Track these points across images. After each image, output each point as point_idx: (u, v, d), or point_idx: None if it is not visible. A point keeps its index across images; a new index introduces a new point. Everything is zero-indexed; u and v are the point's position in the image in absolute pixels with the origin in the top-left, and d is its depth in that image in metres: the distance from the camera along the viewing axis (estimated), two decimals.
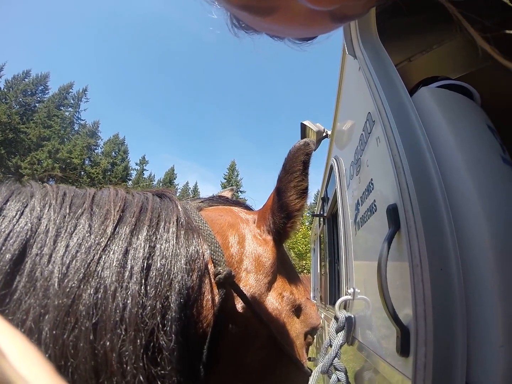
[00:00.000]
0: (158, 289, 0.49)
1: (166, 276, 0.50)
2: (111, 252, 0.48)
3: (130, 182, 65.96)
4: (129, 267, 0.48)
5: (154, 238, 0.53)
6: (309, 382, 0.97)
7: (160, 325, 0.47)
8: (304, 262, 23.86)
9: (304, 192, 0.71)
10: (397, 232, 0.74)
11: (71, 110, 53.60)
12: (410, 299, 0.65)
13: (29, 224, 0.47)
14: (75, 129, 54.45)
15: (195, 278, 0.55)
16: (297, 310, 0.79)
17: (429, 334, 0.61)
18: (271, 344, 0.67)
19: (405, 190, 0.72)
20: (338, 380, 1.10)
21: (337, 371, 1.14)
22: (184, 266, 0.53)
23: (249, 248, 0.70)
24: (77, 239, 0.47)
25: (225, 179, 73.17)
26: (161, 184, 69.26)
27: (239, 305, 0.62)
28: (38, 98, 50.56)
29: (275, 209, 0.73)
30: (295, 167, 0.69)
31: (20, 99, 47.57)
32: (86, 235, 0.48)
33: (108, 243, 0.49)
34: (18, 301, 0.41)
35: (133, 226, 0.52)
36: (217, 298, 0.58)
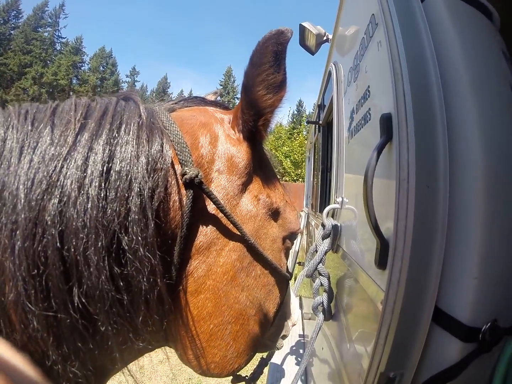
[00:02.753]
0: (118, 192, 0.50)
1: (125, 177, 0.51)
2: (72, 161, 0.49)
3: None
4: (89, 172, 0.49)
5: (114, 141, 0.53)
6: (295, 284, 1.03)
7: (121, 227, 0.50)
8: (299, 171, 24.29)
9: (276, 87, 0.65)
10: (388, 142, 0.71)
11: (50, 30, 49.32)
12: (393, 213, 0.65)
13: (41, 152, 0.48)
14: (57, 49, 50.80)
15: (158, 179, 0.55)
16: (274, 214, 0.79)
17: (407, 250, 0.62)
18: (244, 246, 0.69)
19: (401, 99, 0.66)
20: (321, 284, 1.17)
21: (320, 276, 1.20)
22: (145, 167, 0.53)
23: (222, 148, 0.67)
24: (40, 152, 0.49)
25: (221, 85, 70.57)
26: (154, 94, 67.29)
27: (210, 206, 0.63)
28: (12, 25, 46.30)
29: (243, 107, 0.68)
30: (264, 59, 0.62)
31: None
32: (48, 147, 0.49)
33: (70, 151, 0.50)
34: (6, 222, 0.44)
35: (94, 132, 0.53)
36: (184, 199, 0.59)
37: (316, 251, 1.25)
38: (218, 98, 0.92)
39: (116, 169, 0.51)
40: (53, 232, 0.46)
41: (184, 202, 0.58)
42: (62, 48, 50.35)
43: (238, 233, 0.67)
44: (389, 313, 0.65)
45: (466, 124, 0.66)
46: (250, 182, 0.72)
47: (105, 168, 0.50)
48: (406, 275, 0.63)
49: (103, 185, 0.49)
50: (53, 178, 0.47)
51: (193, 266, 0.63)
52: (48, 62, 47.29)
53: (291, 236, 0.85)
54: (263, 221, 0.74)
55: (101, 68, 55.74)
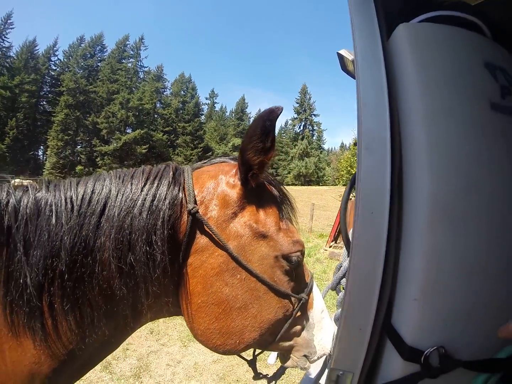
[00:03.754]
0: (154, 214, 0.91)
1: (158, 208, 0.92)
2: (137, 200, 0.92)
3: (203, 117, 68.78)
4: (141, 205, 0.92)
5: (156, 191, 0.95)
6: (321, 295, 1.17)
7: (154, 231, 0.90)
8: None
9: (264, 151, 0.92)
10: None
11: (133, 61, 55.83)
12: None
13: (104, 194, 0.93)
14: (141, 77, 57.12)
15: (174, 209, 0.94)
16: (262, 236, 1.00)
17: (357, 268, 0.72)
18: (228, 254, 0.95)
19: (359, 135, 0.74)
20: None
21: (343, 290, 1.27)
22: (167, 203, 0.93)
23: (220, 191, 1.00)
24: (124, 195, 0.93)
25: (297, 103, 71.55)
26: (233, 115, 70.88)
27: (203, 227, 0.96)
28: (99, 58, 53.54)
29: (239, 164, 0.99)
30: (255, 132, 0.90)
31: (82, 64, 50.92)
32: (128, 192, 0.93)
33: (134, 194, 0.93)
34: (107, 226, 0.89)
35: (149, 187, 0.96)
36: (186, 222, 0.95)
37: (341, 267, 1.36)
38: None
39: (155, 204, 0.92)
40: (127, 231, 0.89)
41: (187, 224, 0.95)
42: (145, 76, 56.61)
43: (223, 246, 0.94)
44: (342, 317, 0.74)
45: (416, 153, 0.71)
46: (241, 211, 1.00)
47: (150, 203, 0.92)
48: (356, 290, 0.71)
49: (147, 210, 0.91)
50: (129, 208, 0.91)
51: (191, 259, 0.96)
52: (133, 89, 53.57)
53: (286, 257, 1.02)
54: (250, 240, 0.99)
55: (182, 92, 61.26)
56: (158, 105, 56.91)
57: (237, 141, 64.29)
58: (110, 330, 0.95)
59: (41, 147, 53.89)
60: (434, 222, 0.67)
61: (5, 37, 46.16)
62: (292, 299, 1.05)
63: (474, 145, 0.71)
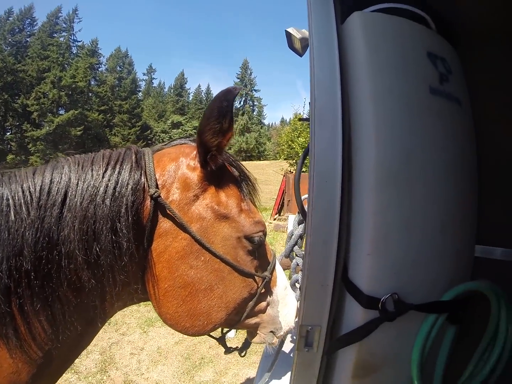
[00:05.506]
0: (117, 201, 0.88)
1: (121, 194, 0.90)
2: (99, 187, 0.88)
3: (140, 94, 65.16)
4: (103, 193, 0.88)
5: (118, 176, 0.92)
6: (277, 263, 1.23)
7: (118, 218, 0.87)
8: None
9: (222, 132, 0.93)
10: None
11: (65, 35, 50.55)
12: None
13: (63, 183, 0.88)
14: (74, 52, 52.04)
15: (138, 195, 0.92)
16: (224, 218, 1.02)
17: (315, 231, 0.81)
18: (191, 239, 0.96)
19: (312, 110, 0.82)
20: (297, 264, 1.41)
21: (297, 257, 1.42)
22: (130, 188, 0.91)
23: (180, 173, 0.99)
24: (85, 183, 0.88)
25: (238, 78, 70.61)
26: (172, 91, 68.07)
27: (165, 211, 0.95)
28: (28, 32, 47.74)
29: (197, 146, 0.98)
30: (212, 113, 0.89)
31: (10, 40, 45.05)
32: (89, 179, 0.89)
33: (95, 181, 0.89)
34: (70, 217, 0.84)
35: (110, 171, 0.92)
36: (149, 206, 0.93)
37: (292, 235, 1.48)
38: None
39: (118, 190, 0.90)
40: (91, 221, 0.85)
41: (150, 208, 0.93)
42: (79, 52, 51.76)
43: (185, 228, 0.95)
44: (304, 276, 0.83)
45: (364, 127, 0.81)
46: (202, 193, 1.00)
47: (112, 190, 0.89)
48: (316, 250, 0.80)
49: (110, 197, 0.88)
50: (92, 194, 0.87)
51: (155, 244, 0.96)
52: (66, 65, 48.73)
53: (249, 238, 1.04)
54: (212, 222, 1.00)
55: (118, 68, 57.23)
56: (92, 82, 52.35)
57: (177, 117, 61.91)
58: (82, 325, 0.92)
59: None
60: (379, 185, 0.78)
61: None
62: (256, 278, 1.08)
63: (412, 121, 0.82)
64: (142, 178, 0.94)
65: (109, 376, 3.41)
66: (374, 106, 0.80)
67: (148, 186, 0.94)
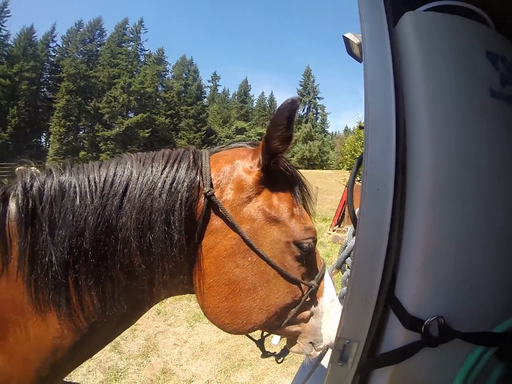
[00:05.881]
0: (173, 196, 0.95)
1: (176, 191, 0.96)
2: (157, 182, 0.96)
3: (205, 100, 68.37)
4: (161, 188, 0.96)
5: (176, 174, 0.99)
6: (332, 283, 1.20)
7: (172, 211, 0.94)
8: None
9: (286, 140, 0.96)
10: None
11: (133, 44, 55.06)
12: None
13: (125, 176, 0.97)
14: (142, 60, 56.35)
15: (192, 192, 0.98)
16: (275, 221, 1.03)
17: (362, 241, 0.77)
18: (240, 239, 1.00)
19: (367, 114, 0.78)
20: (348, 276, 1.31)
21: (348, 269, 1.36)
22: (186, 186, 0.97)
23: (235, 175, 1.03)
24: (145, 178, 0.96)
25: (301, 85, 70.82)
26: (236, 97, 70.48)
27: (217, 209, 0.99)
28: (98, 42, 52.87)
29: (264, 152, 1.00)
30: (280, 121, 0.93)
31: (81, 49, 50.26)
32: (148, 175, 0.97)
33: (154, 177, 0.97)
34: (129, 207, 0.92)
35: (169, 169, 0.99)
36: (203, 204, 0.99)
37: (346, 246, 1.44)
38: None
39: (174, 186, 0.96)
40: (147, 212, 0.93)
41: (203, 205, 0.98)
42: (146, 60, 55.94)
43: (234, 228, 0.98)
44: (349, 288, 0.79)
45: (418, 133, 0.75)
46: (255, 195, 1.03)
47: (169, 186, 0.96)
48: (362, 262, 0.76)
49: (167, 192, 0.95)
50: (151, 188, 0.95)
51: (206, 240, 1.01)
52: (134, 72, 53.02)
53: (298, 244, 1.04)
54: (262, 224, 1.01)
55: (184, 75, 60.69)
56: (160, 88, 56.52)
57: (241, 123, 63.70)
58: (129, 306, 0.99)
59: (44, 134, 53.77)
60: (434, 197, 0.71)
61: (1, 25, 45.56)
62: (302, 285, 1.07)
63: (471, 127, 0.74)
64: (198, 177, 1.00)
65: (149, 361, 3.60)
66: (429, 110, 0.74)
67: (203, 185, 0.99)
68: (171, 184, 0.96)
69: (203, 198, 0.99)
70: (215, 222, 1.00)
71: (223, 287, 1.00)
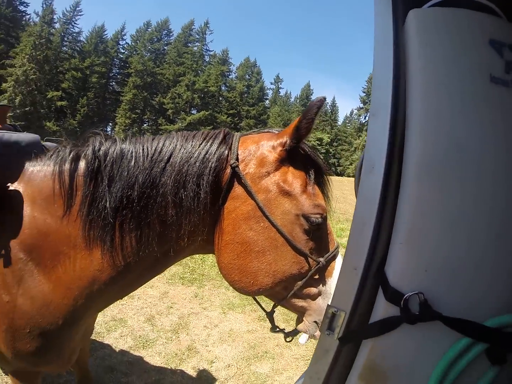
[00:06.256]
0: (203, 163, 1.16)
1: (208, 159, 1.17)
2: (194, 153, 1.19)
3: (267, 101, 69.47)
4: (196, 157, 1.18)
5: (208, 146, 1.20)
6: (340, 257, 1.26)
7: (203, 175, 1.15)
8: None
9: (310, 129, 1.15)
10: None
11: (199, 44, 57.57)
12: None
13: (171, 148, 1.22)
14: (206, 60, 58.75)
15: (220, 163, 1.18)
16: (287, 194, 1.17)
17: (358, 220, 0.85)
18: (256, 206, 1.15)
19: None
20: None
21: None
22: (215, 156, 1.18)
23: (260, 153, 1.22)
24: (186, 150, 1.20)
25: (363, 92, 68.65)
26: (298, 101, 70.59)
27: (240, 179, 1.17)
28: (165, 42, 56.21)
29: (292, 136, 1.19)
30: (311, 115, 1.12)
31: (149, 47, 53.84)
32: (188, 148, 1.21)
33: (192, 149, 1.20)
34: (170, 170, 1.17)
35: (201, 142, 1.22)
36: (228, 174, 1.19)
37: None
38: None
39: (206, 157, 1.18)
40: (183, 174, 1.15)
41: (229, 174, 1.18)
42: (211, 60, 58.44)
43: (251, 195, 1.15)
44: (343, 258, 0.86)
45: (413, 118, 0.80)
46: (274, 171, 1.19)
47: (203, 156, 1.18)
48: (353, 232, 0.83)
49: (200, 161, 1.17)
50: (188, 157, 1.18)
51: (228, 204, 1.19)
52: (199, 71, 55.64)
53: (307, 218, 1.14)
54: (276, 196, 1.15)
55: (247, 76, 62.44)
56: (223, 88, 58.82)
57: None
58: (159, 251, 1.20)
59: (110, 124, 58.70)
60: (420, 174, 0.76)
61: (74, 23, 51.23)
62: (310, 260, 1.15)
63: (465, 111, 0.77)
64: (226, 151, 1.21)
65: (178, 337, 3.82)
66: (422, 97, 0.79)
67: (230, 158, 1.20)
68: (204, 155, 1.18)
69: (229, 169, 1.19)
70: (237, 189, 1.18)
71: (237, 245, 1.16)
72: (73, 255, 1.21)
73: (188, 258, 6.29)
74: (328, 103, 71.77)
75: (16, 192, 1.27)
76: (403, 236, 0.76)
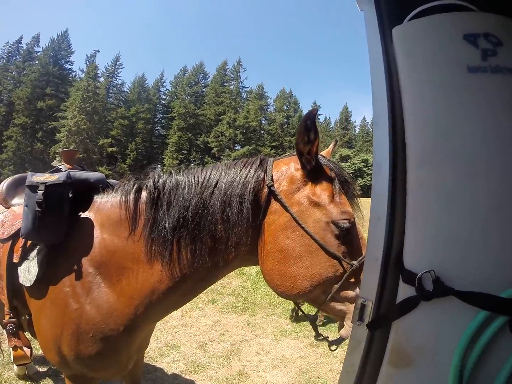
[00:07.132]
0: (244, 186, 1.34)
1: (247, 182, 1.35)
2: (236, 178, 1.37)
3: None
4: (238, 181, 1.36)
5: (247, 171, 1.38)
6: None
7: (243, 197, 1.32)
8: None
9: (310, 141, 1.28)
10: None
11: (234, 83, 60.41)
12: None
13: (217, 175, 1.41)
14: (244, 97, 61.13)
15: (258, 183, 1.35)
16: (317, 205, 1.30)
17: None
18: (291, 218, 1.29)
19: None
20: None
21: None
22: (254, 180, 1.35)
23: (289, 173, 1.39)
24: (229, 176, 1.39)
25: None
26: (338, 125, 70.14)
27: (276, 196, 1.32)
28: (203, 84, 59.74)
29: (297, 154, 1.36)
30: (300, 130, 1.27)
31: (188, 91, 57.65)
32: (231, 174, 1.39)
33: (234, 175, 1.39)
34: (217, 193, 1.38)
35: (241, 170, 1.40)
36: (266, 192, 1.35)
37: None
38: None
39: (246, 180, 1.35)
40: (228, 196, 1.35)
41: (266, 193, 1.35)
42: (248, 96, 61.03)
43: (286, 209, 1.30)
44: (366, 251, 0.99)
45: (405, 118, 0.94)
46: (303, 186, 1.34)
47: (243, 180, 1.36)
48: (371, 224, 0.96)
49: (241, 184, 1.34)
50: (232, 182, 1.37)
51: (267, 218, 1.34)
52: (238, 108, 58.22)
53: (336, 224, 1.27)
54: (307, 207, 1.31)
55: (285, 107, 63.69)
56: (263, 121, 60.34)
57: (344, 151, 62.30)
58: (210, 263, 1.37)
59: (158, 165, 61.84)
60: (417, 164, 0.88)
61: (117, 75, 56.23)
62: (343, 263, 1.24)
63: (447, 102, 0.89)
64: (262, 174, 1.39)
65: (229, 363, 3.86)
66: (411, 99, 0.93)
67: (266, 179, 1.38)
68: (245, 178, 1.36)
69: (266, 188, 1.35)
70: (274, 205, 1.34)
71: (277, 253, 1.29)
72: (136, 269, 1.43)
73: (240, 288, 6.56)
74: (368, 122, 70.33)
75: (87, 219, 1.55)
76: (412, 221, 0.87)
